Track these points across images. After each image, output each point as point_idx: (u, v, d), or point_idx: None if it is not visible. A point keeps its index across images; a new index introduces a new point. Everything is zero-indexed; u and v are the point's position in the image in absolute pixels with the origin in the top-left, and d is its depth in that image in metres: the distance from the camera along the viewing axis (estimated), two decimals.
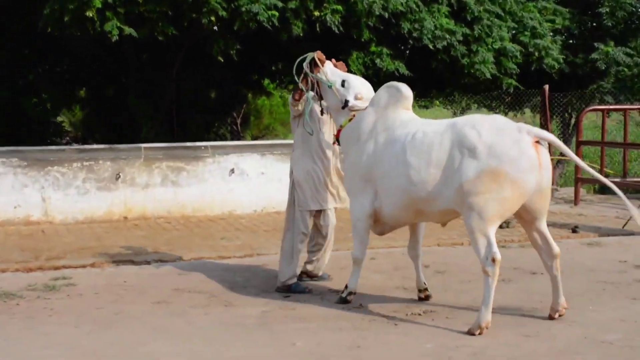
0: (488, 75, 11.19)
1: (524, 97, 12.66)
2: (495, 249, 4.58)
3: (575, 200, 10.00)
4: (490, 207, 4.53)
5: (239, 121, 14.15)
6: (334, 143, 5.66)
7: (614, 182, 10.66)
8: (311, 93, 5.50)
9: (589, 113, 12.62)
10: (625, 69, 11.39)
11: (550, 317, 4.82)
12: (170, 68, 11.05)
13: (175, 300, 5.35)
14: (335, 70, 5.51)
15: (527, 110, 14.36)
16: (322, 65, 5.47)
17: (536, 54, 11.48)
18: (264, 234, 7.84)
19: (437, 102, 15.63)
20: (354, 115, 5.33)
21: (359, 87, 5.41)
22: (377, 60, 10.84)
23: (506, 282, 5.81)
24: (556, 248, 4.75)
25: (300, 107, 5.60)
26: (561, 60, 11.45)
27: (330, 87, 5.41)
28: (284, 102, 17.09)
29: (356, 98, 5.34)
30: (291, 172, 5.77)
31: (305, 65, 5.48)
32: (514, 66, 11.52)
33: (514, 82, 11.62)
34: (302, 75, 5.53)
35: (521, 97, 12.77)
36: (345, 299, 5.25)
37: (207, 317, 4.97)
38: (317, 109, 5.64)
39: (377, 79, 11.68)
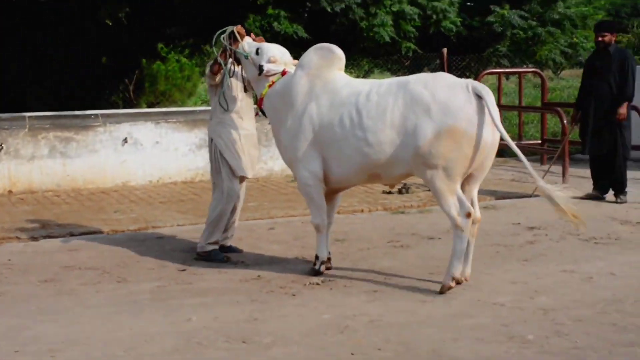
0: (387, 39, 11.34)
1: (423, 60, 12.94)
2: (467, 203, 4.73)
3: None
4: (453, 165, 4.62)
5: (132, 88, 13.76)
6: (256, 114, 5.64)
7: (504, 145, 11.14)
8: (229, 66, 5.50)
9: (488, 76, 13.04)
10: (520, 32, 11.80)
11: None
12: (55, 32, 10.57)
13: (63, 279, 5.20)
14: (253, 42, 5.50)
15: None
16: (241, 40, 5.47)
17: (434, 17, 11.71)
18: (160, 206, 7.72)
19: None
20: (272, 82, 5.30)
21: (272, 50, 5.38)
22: (275, 24, 10.76)
23: (404, 247, 5.96)
24: (478, 214, 4.86)
25: (217, 80, 5.60)
26: (459, 23, 11.73)
27: (246, 57, 5.41)
28: (181, 67, 16.74)
29: (269, 61, 5.31)
30: (211, 140, 5.70)
31: (223, 38, 5.48)
32: (413, 29, 11.72)
33: (413, 46, 11.83)
34: (221, 49, 5.52)
35: (420, 61, 13.04)
36: (317, 270, 5.19)
37: (98, 295, 4.86)
38: (235, 82, 5.63)
39: (275, 43, 11.60)
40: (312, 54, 5.14)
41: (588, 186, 8.61)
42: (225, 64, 5.52)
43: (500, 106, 11.35)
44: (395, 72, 15.13)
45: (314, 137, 5.05)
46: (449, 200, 4.69)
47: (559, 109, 9.45)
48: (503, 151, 11.95)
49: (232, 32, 5.46)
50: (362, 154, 4.87)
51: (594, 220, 6.71)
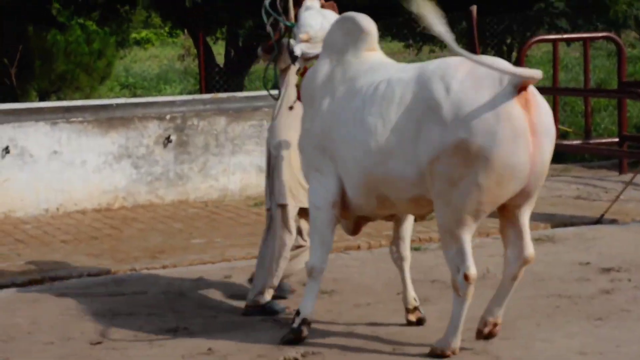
0: None
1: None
2: (470, 261, 4.76)
3: None
4: (461, 199, 4.62)
5: (13, 71, 13.68)
6: (291, 108, 5.89)
7: (574, 146, 11.23)
8: (283, 44, 5.76)
9: (538, 44, 13.11)
10: None
11: (479, 333, 5.07)
12: None
13: None
14: (314, 9, 5.67)
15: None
16: (298, 5, 5.70)
17: None
18: (61, 247, 7.71)
19: None
20: (305, 68, 5.53)
21: (308, 22, 5.54)
22: None
23: (421, 301, 6.01)
24: (530, 250, 4.95)
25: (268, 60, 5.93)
26: None
27: (289, 27, 5.70)
28: (89, 37, 16.74)
29: (302, 40, 5.49)
30: (269, 152, 5.95)
31: (266, 4, 5.74)
32: None
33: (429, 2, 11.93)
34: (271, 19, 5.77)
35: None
36: (298, 332, 5.24)
37: None
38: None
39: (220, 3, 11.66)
40: (335, 29, 5.35)
41: None
42: (277, 41, 5.78)
43: (556, 89, 11.50)
44: (402, 40, 15.27)
45: (323, 141, 5.25)
46: (450, 246, 4.79)
47: None
48: (563, 155, 12.11)
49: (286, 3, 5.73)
50: (361, 166, 4.99)
51: None
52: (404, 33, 14.82)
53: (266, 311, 5.89)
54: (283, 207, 5.87)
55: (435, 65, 4.84)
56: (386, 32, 14.82)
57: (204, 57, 12.67)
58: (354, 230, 5.58)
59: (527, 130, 4.53)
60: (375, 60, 5.26)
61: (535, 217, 8.12)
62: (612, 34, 11.41)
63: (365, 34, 5.24)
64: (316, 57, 5.48)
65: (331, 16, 5.60)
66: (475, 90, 4.59)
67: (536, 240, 7.54)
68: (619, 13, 11.94)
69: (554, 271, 6.65)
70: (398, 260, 5.62)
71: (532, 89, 4.63)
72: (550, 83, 11.49)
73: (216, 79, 13.13)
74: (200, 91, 12.49)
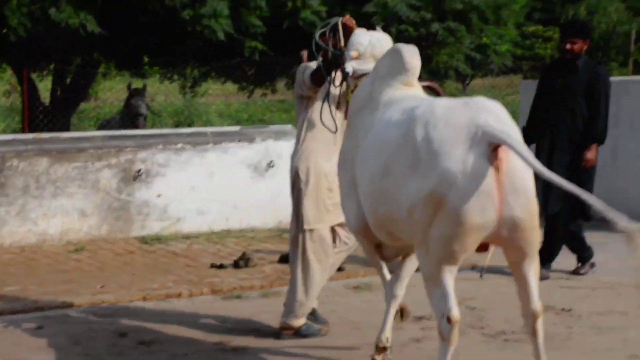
0: (222, 36, 11.45)
1: (275, 66, 13.13)
2: (452, 303, 4.77)
3: None
4: (435, 245, 4.70)
5: None
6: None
7: None
8: (333, 75, 5.93)
9: None
10: (410, 29, 12.17)
11: None
12: None
13: None
14: (365, 33, 5.80)
15: (281, 87, 14.94)
16: (350, 34, 5.82)
17: (289, 4, 11.92)
18: None
19: (157, 72, 15.71)
20: (356, 86, 5.67)
21: (356, 40, 5.70)
22: (52, 10, 10.66)
23: (238, 353, 6.03)
24: (534, 305, 4.89)
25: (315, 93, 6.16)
26: (324, 15, 11.98)
27: (338, 55, 5.80)
28: None
29: (352, 58, 5.65)
30: (296, 174, 6.23)
31: (316, 36, 5.97)
32: (260, 23, 11.90)
33: (260, 46, 12.01)
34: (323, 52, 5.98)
35: (271, 67, 13.23)
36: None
37: None
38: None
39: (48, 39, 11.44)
40: (386, 55, 5.49)
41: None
42: (329, 71, 5.93)
43: None
44: (238, 82, 15.31)
45: (350, 164, 5.48)
46: (434, 292, 4.86)
47: None
48: None
49: (336, 25, 5.88)
50: (369, 202, 5.21)
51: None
52: (237, 75, 14.87)
53: (301, 334, 6.25)
54: (311, 232, 6.21)
55: (422, 110, 4.87)
56: (221, 73, 14.86)
57: (27, 95, 12.39)
58: (385, 259, 5.79)
59: (494, 188, 4.59)
60: (402, 95, 5.29)
61: (354, 265, 8.37)
62: (433, 84, 11.71)
63: (404, 69, 5.35)
64: (366, 74, 5.63)
65: (379, 35, 5.80)
66: (451, 143, 4.63)
67: (354, 288, 7.73)
68: (440, 64, 12.32)
69: (370, 319, 6.74)
70: (388, 296, 5.78)
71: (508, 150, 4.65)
72: None
73: (40, 117, 12.81)
74: (23, 130, 12.19)
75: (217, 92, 26.37)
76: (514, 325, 6.46)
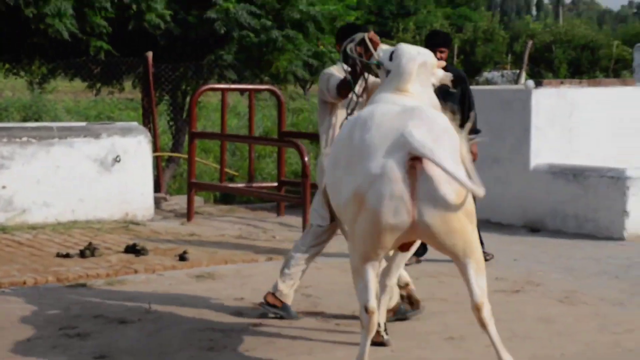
0: (66, 35, 11.24)
1: (121, 66, 12.96)
2: (370, 295, 4.94)
3: (189, 214, 10.57)
4: (357, 241, 4.95)
5: None
6: None
7: (239, 189, 11.56)
8: (359, 88, 6.12)
9: (213, 92, 13.30)
10: (251, 35, 12.25)
11: None
12: None
13: None
14: (389, 48, 5.78)
15: (129, 85, 14.76)
16: (375, 49, 5.84)
17: (134, 7, 11.81)
18: None
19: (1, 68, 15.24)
20: None
21: (407, 51, 5.66)
22: None
23: (81, 337, 5.96)
24: (475, 298, 4.93)
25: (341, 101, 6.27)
26: (168, 18, 11.93)
27: (379, 67, 5.70)
28: None
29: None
30: (323, 175, 6.11)
31: (351, 49, 5.93)
32: (105, 23, 11.73)
33: (106, 46, 11.85)
34: (351, 63, 5.99)
35: (116, 67, 13.05)
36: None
37: None
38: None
39: None
40: (393, 57, 5.59)
41: (333, 242, 9.22)
42: (355, 82, 6.05)
43: (223, 135, 11.81)
44: (85, 80, 15.01)
45: None
46: (356, 282, 5.06)
47: (297, 141, 9.99)
48: (230, 197, 12.40)
49: (363, 39, 5.91)
50: (329, 192, 5.48)
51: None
52: (84, 73, 14.58)
53: (284, 309, 6.42)
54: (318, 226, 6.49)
55: (366, 112, 5.16)
56: (68, 71, 14.54)
57: None
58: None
59: (407, 193, 4.75)
60: (382, 98, 5.39)
61: (198, 255, 8.39)
62: (273, 87, 11.87)
63: (397, 73, 5.46)
64: None
65: (424, 51, 5.77)
66: (376, 147, 4.86)
67: (197, 277, 7.74)
68: (280, 69, 12.45)
69: (212, 306, 6.79)
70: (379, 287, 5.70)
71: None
72: (220, 129, 11.81)
73: None
74: None
75: (66, 89, 25.82)
76: (347, 312, 6.61)
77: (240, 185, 11.98)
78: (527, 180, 10.31)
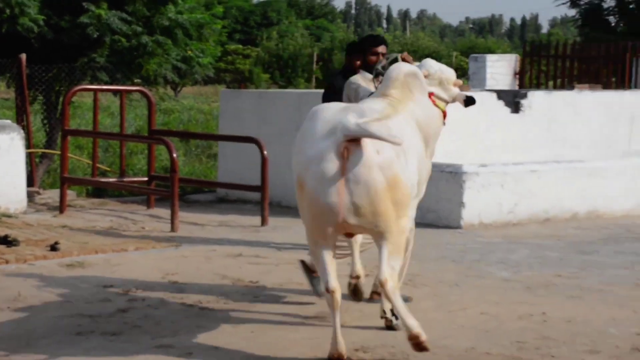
0: None
1: None
2: (328, 276, 4.91)
3: (62, 207, 10.24)
4: (305, 224, 4.96)
5: None
6: None
7: (111, 183, 11.30)
8: None
9: (83, 92, 13.02)
10: (123, 39, 12.03)
11: None
12: None
13: None
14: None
15: (3, 86, 14.24)
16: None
17: (7, 11, 11.44)
18: None
19: None
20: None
21: (429, 63, 5.83)
22: None
23: None
24: (381, 274, 4.89)
25: None
26: (42, 22, 11.59)
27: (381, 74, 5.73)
28: None
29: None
30: None
31: (382, 66, 5.91)
32: None
33: None
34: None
35: None
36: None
37: None
38: None
39: None
40: None
41: (200, 232, 9.11)
42: None
43: (96, 133, 11.53)
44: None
45: None
46: (316, 265, 5.06)
47: (166, 139, 9.84)
48: (102, 190, 12.10)
49: (396, 58, 5.89)
50: None
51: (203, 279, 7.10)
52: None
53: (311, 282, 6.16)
54: None
55: (317, 107, 5.14)
56: None
57: None
58: None
59: (338, 175, 4.73)
60: (365, 101, 5.42)
61: (69, 245, 8.11)
62: (144, 88, 11.66)
63: (385, 77, 5.50)
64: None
65: (445, 68, 5.89)
66: (315, 134, 4.86)
67: (68, 266, 7.48)
68: (150, 72, 12.28)
69: (81, 293, 6.57)
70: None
71: (363, 143, 4.77)
72: (92, 127, 11.52)
73: None
74: None
75: None
76: (209, 297, 6.51)
77: (111, 179, 11.69)
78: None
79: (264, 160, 9.84)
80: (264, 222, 9.75)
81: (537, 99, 11.60)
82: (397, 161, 4.91)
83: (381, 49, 6.72)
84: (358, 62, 7.93)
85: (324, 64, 34.58)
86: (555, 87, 15.67)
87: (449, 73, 5.89)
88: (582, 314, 6.11)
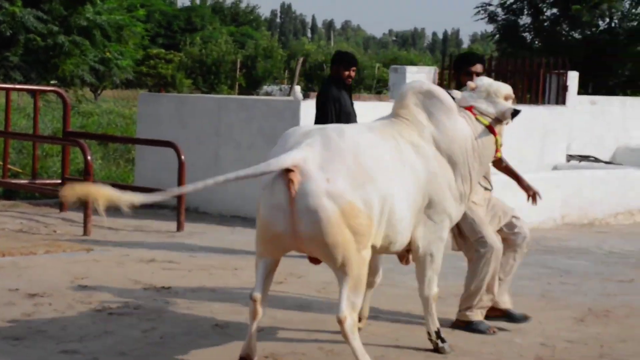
0: None
1: None
2: (256, 285, 4.95)
3: None
4: (255, 240, 5.01)
5: None
6: None
7: (23, 185, 11.03)
8: None
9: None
10: (38, 38, 11.80)
11: None
12: None
13: None
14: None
15: None
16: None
17: None
18: None
19: None
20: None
21: (482, 81, 5.83)
22: None
23: None
24: (338, 312, 4.77)
25: None
26: None
27: None
28: None
29: (469, 88, 5.76)
30: None
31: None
32: None
33: None
34: None
35: None
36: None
37: None
38: None
39: None
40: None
41: (113, 237, 8.96)
42: None
43: (7, 133, 11.25)
44: None
45: None
46: (255, 270, 5.05)
47: (80, 141, 9.65)
48: (13, 192, 11.80)
49: None
50: None
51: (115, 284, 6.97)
52: None
53: (472, 328, 5.97)
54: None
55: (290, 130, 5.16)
56: None
57: None
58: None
59: (285, 204, 4.69)
60: (369, 123, 5.50)
61: None
62: (58, 89, 11.43)
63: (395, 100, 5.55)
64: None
65: (500, 85, 5.76)
66: (274, 157, 4.83)
67: None
68: (67, 72, 12.06)
69: None
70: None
71: (304, 173, 4.70)
72: (4, 128, 11.24)
73: None
74: None
75: None
76: (118, 301, 6.39)
77: (23, 181, 11.41)
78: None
79: (181, 165, 9.74)
80: (179, 227, 9.65)
81: None
82: (354, 189, 4.75)
83: (478, 68, 6.29)
84: (346, 73, 8.15)
85: (247, 71, 34.48)
86: None
87: (499, 86, 5.71)
88: (489, 323, 6.18)
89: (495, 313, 6.16)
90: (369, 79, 35.49)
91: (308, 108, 10.40)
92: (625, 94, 21.51)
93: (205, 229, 9.80)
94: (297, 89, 10.80)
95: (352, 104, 8.31)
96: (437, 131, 5.37)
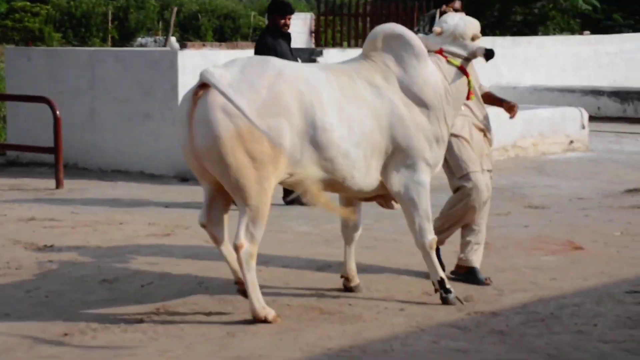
0: None
1: None
2: (201, 211, 5.05)
3: None
4: None
5: None
6: None
7: None
8: None
9: None
10: None
11: None
12: None
13: None
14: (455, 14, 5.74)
15: None
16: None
17: None
18: None
19: None
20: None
21: (444, 19, 5.63)
22: None
23: None
24: (235, 239, 4.81)
25: None
26: None
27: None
28: None
29: (435, 33, 5.55)
30: None
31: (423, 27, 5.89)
32: None
33: None
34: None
35: None
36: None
37: None
38: None
39: None
40: None
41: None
42: None
43: None
44: None
45: None
46: None
47: None
48: None
49: (433, 16, 5.76)
50: None
51: None
52: None
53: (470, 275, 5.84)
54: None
55: None
56: None
57: None
58: None
59: (186, 118, 4.74)
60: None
61: None
62: None
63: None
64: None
65: (469, 18, 5.56)
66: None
67: None
68: None
69: None
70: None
71: (210, 87, 4.69)
72: None
73: None
74: None
75: None
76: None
77: None
78: (175, 134, 10.24)
79: (56, 120, 9.47)
80: (58, 184, 9.40)
81: (332, 57, 11.80)
82: (260, 116, 4.69)
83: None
84: (282, 21, 8.21)
85: (119, 23, 33.61)
86: (349, 46, 15.98)
87: (465, 27, 5.55)
88: (377, 262, 6.30)
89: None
90: (245, 28, 35.15)
91: (186, 58, 10.23)
92: (494, 35, 21.98)
93: (86, 185, 9.58)
94: (173, 39, 10.58)
95: (291, 51, 8.29)
96: (406, 75, 5.28)
